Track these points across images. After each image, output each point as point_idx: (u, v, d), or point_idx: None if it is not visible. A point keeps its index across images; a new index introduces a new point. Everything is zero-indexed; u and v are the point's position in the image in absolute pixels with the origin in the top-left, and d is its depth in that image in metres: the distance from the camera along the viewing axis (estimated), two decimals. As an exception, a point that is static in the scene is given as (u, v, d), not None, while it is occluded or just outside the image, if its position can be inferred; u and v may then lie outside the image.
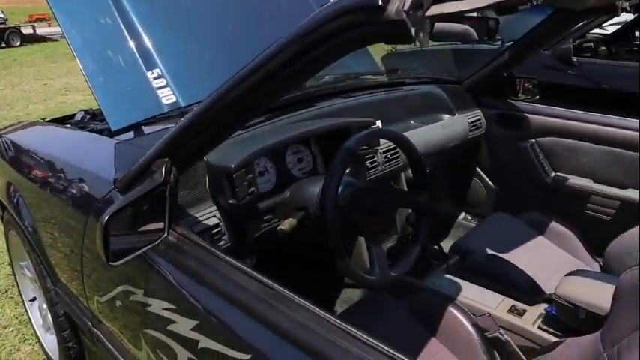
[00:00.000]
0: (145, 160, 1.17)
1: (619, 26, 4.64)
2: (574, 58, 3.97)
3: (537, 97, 2.47)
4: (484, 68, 2.45)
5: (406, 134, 2.04)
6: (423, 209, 1.46)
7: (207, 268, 1.05)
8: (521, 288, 1.75)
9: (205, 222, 1.38)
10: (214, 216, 1.41)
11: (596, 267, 2.01)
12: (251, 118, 1.37)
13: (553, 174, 2.36)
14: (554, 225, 2.11)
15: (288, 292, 0.89)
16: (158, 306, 1.14)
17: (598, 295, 1.43)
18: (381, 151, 1.89)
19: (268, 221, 1.47)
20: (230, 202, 1.35)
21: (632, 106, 2.29)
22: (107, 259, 1.02)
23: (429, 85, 2.41)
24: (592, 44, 4.23)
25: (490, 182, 2.57)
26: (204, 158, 1.42)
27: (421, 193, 1.46)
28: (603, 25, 4.60)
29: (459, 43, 4.27)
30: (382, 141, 1.82)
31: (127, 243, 1.08)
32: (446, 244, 2.40)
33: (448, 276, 1.78)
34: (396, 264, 1.41)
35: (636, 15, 4.56)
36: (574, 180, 2.30)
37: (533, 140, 2.37)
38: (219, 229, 1.40)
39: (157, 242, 1.11)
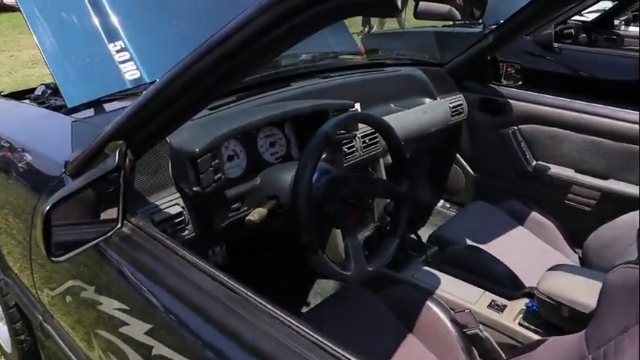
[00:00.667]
0: (98, 142, 1.04)
1: (598, 14, 4.61)
2: (555, 44, 3.91)
3: (520, 82, 2.40)
4: (467, 51, 2.36)
5: (386, 118, 1.94)
6: (403, 199, 1.37)
7: (165, 266, 0.94)
8: (500, 281, 1.68)
9: (167, 210, 1.27)
10: (177, 204, 1.30)
11: (575, 259, 1.96)
12: (217, 97, 1.25)
13: (534, 162, 2.30)
14: (534, 215, 2.05)
15: (253, 297, 0.79)
16: (110, 305, 1.03)
17: (582, 292, 1.36)
18: (359, 135, 1.79)
19: (237, 210, 1.37)
20: (194, 189, 1.23)
21: (613, 94, 2.24)
22: (48, 255, 0.90)
23: (411, 67, 2.30)
24: (572, 31, 4.18)
25: (470, 169, 2.50)
26: (167, 140, 1.30)
27: (401, 182, 1.36)
28: (583, 12, 4.55)
29: (441, 26, 4.19)
30: (361, 125, 1.72)
31: (73, 235, 0.96)
32: (424, 233, 2.33)
33: (427, 268, 1.70)
34: (373, 257, 1.32)
35: (615, 3, 4.53)
36: (555, 169, 2.24)
37: (515, 127, 2.30)
38: (182, 218, 1.29)
39: (108, 234, 0.99)
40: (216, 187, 1.27)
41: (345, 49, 2.23)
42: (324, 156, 1.57)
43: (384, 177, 1.99)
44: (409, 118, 2.06)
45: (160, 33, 1.84)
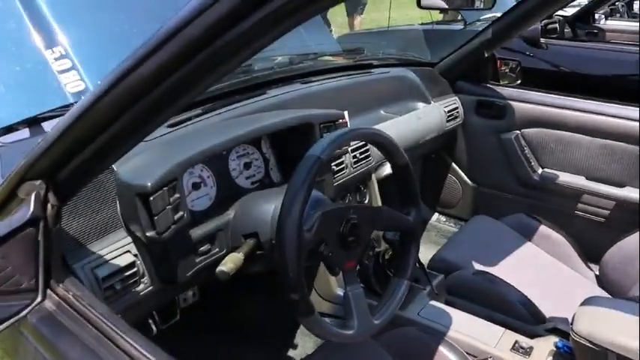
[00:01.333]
0: (8, 184, 0.76)
1: (578, 7, 4.46)
2: (542, 40, 3.73)
3: (519, 81, 2.18)
4: (461, 48, 2.12)
5: (377, 127, 1.69)
6: (412, 232, 1.11)
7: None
8: (519, 314, 1.45)
9: (115, 261, 0.99)
10: (128, 251, 1.02)
11: (591, 276, 1.75)
12: (172, 114, 0.98)
13: (540, 170, 2.08)
14: (543, 229, 1.83)
15: None
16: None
17: (630, 333, 1.13)
18: (349, 150, 1.54)
19: (206, 253, 1.09)
20: (147, 234, 0.95)
21: (609, 90, 2.05)
22: None
23: (400, 67, 2.06)
24: (557, 25, 4.01)
25: (467, 179, 2.26)
26: (114, 168, 1.03)
27: (408, 211, 1.11)
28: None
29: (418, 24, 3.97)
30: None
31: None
32: (421, 252, 2.09)
33: (434, 303, 1.45)
34: (378, 306, 1.06)
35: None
36: (564, 177, 2.02)
37: (517, 131, 2.08)
38: (134, 269, 1.01)
39: (24, 313, 0.71)
40: (178, 229, 0.99)
41: (325, 50, 1.98)
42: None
43: (377, 195, 1.74)
44: (403, 126, 1.81)
45: (109, 35, 1.56)
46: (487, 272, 1.55)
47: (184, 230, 1.02)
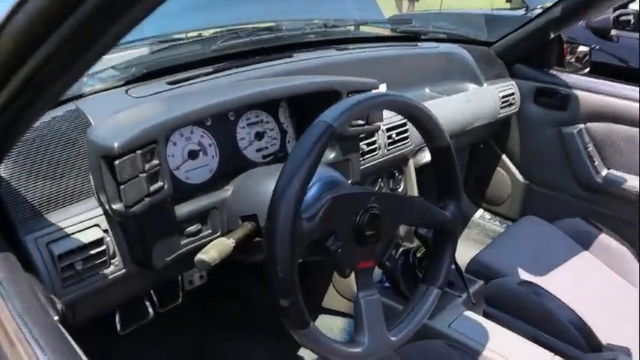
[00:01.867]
0: None
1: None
2: (613, 32, 3.37)
3: (588, 69, 1.90)
4: (523, 27, 1.85)
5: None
6: (449, 230, 0.90)
7: None
8: (570, 337, 1.21)
9: (77, 236, 0.82)
10: (97, 225, 0.84)
11: (659, 298, 1.48)
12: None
13: (605, 171, 1.81)
14: (604, 238, 1.57)
15: None
16: None
17: None
18: (384, 128, 1.32)
19: (195, 235, 0.91)
20: (114, 206, 0.78)
21: None
22: None
23: (451, 44, 1.81)
24: (632, 18, 3.63)
25: (519, 174, 2.00)
26: (91, 122, 0.86)
27: (446, 204, 0.89)
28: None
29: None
30: (388, 113, 1.25)
31: None
32: (459, 252, 1.86)
33: (469, 314, 1.23)
34: (400, 319, 0.85)
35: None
36: (633, 181, 1.74)
37: (582, 125, 1.80)
38: (102, 247, 0.84)
39: None
40: (155, 203, 0.81)
41: (368, 18, 1.75)
42: (330, 157, 1.11)
43: (414, 184, 1.52)
44: (449, 109, 1.58)
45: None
46: (534, 283, 1.31)
47: (165, 205, 0.84)
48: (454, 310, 1.23)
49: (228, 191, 0.94)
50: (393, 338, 0.81)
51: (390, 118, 1.33)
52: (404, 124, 1.38)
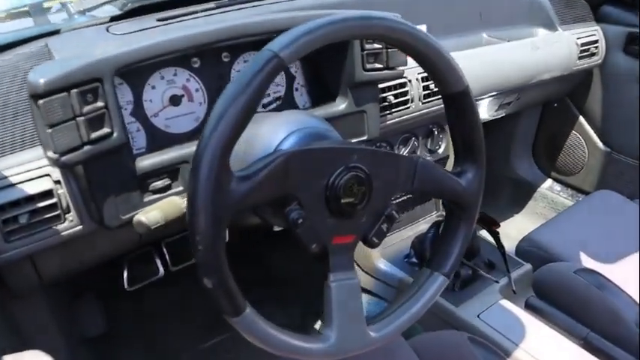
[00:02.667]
0: None
1: None
2: None
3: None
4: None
5: (473, 52, 1.25)
6: (464, 203, 0.70)
7: None
8: (637, 346, 0.98)
9: (24, 186, 0.72)
10: (48, 175, 0.74)
11: None
12: None
13: None
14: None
15: None
16: None
17: None
18: (418, 77, 1.12)
19: (160, 191, 0.78)
20: (48, 153, 0.66)
21: None
22: None
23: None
24: None
25: (598, 140, 1.70)
26: (52, 54, 0.75)
27: (462, 169, 0.69)
28: None
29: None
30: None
31: None
32: (514, 229, 1.63)
33: (506, 304, 1.03)
34: (387, 310, 0.68)
35: None
36: None
37: (683, 81, 1.48)
38: (53, 200, 0.73)
39: None
40: (101, 152, 0.68)
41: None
42: (340, 107, 0.93)
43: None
44: (509, 56, 1.32)
45: None
46: (598, 272, 1.08)
47: (118, 155, 0.71)
48: (487, 298, 1.04)
49: (202, 144, 0.80)
50: (372, 334, 0.64)
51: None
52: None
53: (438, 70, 0.64)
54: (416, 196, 1.27)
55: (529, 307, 1.05)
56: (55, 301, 1.12)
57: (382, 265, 1.19)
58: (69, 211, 0.75)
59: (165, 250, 1.30)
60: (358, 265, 1.23)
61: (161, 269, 1.31)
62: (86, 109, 0.66)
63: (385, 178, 0.64)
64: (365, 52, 0.90)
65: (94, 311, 1.29)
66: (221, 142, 0.50)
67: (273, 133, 0.68)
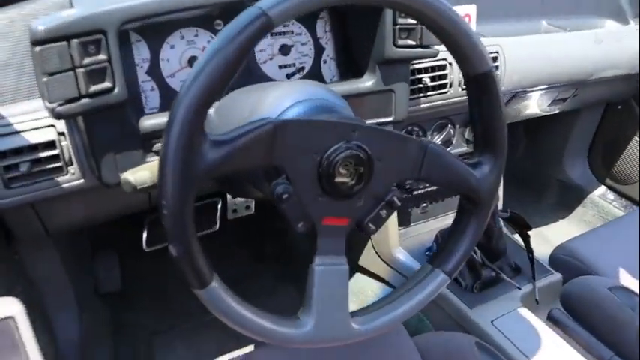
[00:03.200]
0: None
1: None
2: None
3: None
4: None
5: (528, 40, 1.16)
6: (476, 199, 0.63)
7: None
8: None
9: (27, 135, 0.71)
10: (53, 126, 0.73)
11: None
12: None
13: None
14: None
15: None
16: None
17: None
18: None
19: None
20: (46, 103, 0.64)
21: None
22: None
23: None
24: None
25: (663, 150, 1.56)
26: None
27: (479, 161, 0.63)
28: None
29: None
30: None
31: None
32: (554, 234, 1.53)
33: (524, 313, 0.95)
34: (376, 305, 0.63)
35: None
36: None
37: None
38: (55, 151, 0.72)
39: None
40: (98, 106, 0.66)
41: None
42: (367, 84, 0.87)
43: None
44: (569, 47, 1.22)
45: None
46: (634, 292, 0.98)
47: (120, 112, 0.69)
48: (506, 304, 0.97)
49: (213, 106, 0.77)
50: (355, 326, 0.59)
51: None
52: (493, 59, 1.07)
53: (460, 47, 0.58)
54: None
55: (551, 319, 0.97)
56: (69, 252, 1.14)
57: (401, 255, 1.13)
58: (71, 164, 0.75)
59: None
60: (376, 252, 1.18)
61: None
62: (86, 60, 0.63)
63: (389, 160, 0.58)
64: (397, 26, 0.83)
65: (111, 267, 1.31)
66: (194, 100, 0.47)
67: (278, 100, 0.64)
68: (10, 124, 0.71)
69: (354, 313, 0.60)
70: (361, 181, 0.57)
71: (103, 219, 0.94)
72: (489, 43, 1.09)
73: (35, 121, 0.72)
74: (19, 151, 0.71)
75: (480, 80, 0.59)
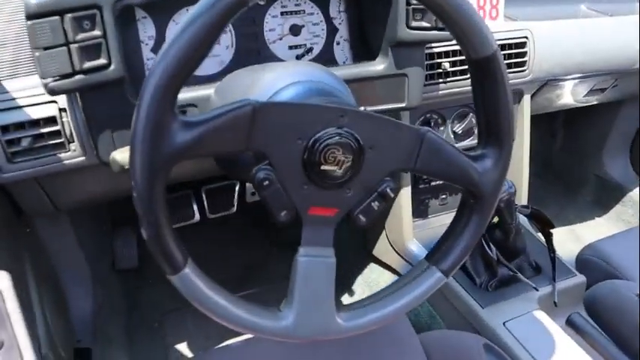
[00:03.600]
0: None
1: None
2: None
3: None
4: None
5: (562, 24, 1.09)
6: (478, 195, 0.59)
7: None
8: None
9: (30, 110, 0.71)
10: (55, 102, 0.73)
11: None
12: None
13: None
14: None
15: None
16: None
17: None
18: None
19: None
20: (42, 79, 0.63)
21: None
22: None
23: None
24: None
25: None
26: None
27: (483, 153, 0.58)
28: None
29: None
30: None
31: None
32: (590, 231, 1.45)
33: (540, 316, 0.90)
34: (365, 301, 0.60)
35: None
36: None
37: None
38: (56, 127, 0.72)
39: None
40: (93, 83, 0.65)
41: None
42: (378, 67, 0.83)
43: (527, 129, 1.15)
44: (609, 33, 1.13)
45: None
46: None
47: (117, 89, 0.68)
48: (521, 306, 0.91)
49: (212, 89, 0.75)
50: (340, 322, 0.56)
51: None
52: (520, 44, 1.01)
53: (460, 28, 0.53)
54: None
55: (570, 324, 0.91)
56: (87, 229, 1.15)
57: (414, 247, 1.09)
58: (73, 141, 0.74)
59: (204, 196, 1.29)
60: (389, 243, 1.14)
61: (197, 214, 1.30)
62: (80, 36, 0.62)
63: (381, 149, 0.54)
64: (411, 6, 0.79)
65: (129, 244, 1.33)
66: (162, 79, 0.44)
67: (273, 81, 0.62)
68: (12, 99, 0.71)
69: (340, 308, 0.57)
70: (350, 169, 0.53)
71: (113, 197, 0.94)
72: (518, 27, 1.02)
73: (37, 97, 0.72)
74: (20, 126, 0.71)
75: (483, 65, 0.55)
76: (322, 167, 0.52)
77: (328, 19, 0.88)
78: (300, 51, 0.87)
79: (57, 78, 0.63)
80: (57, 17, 0.61)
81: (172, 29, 0.79)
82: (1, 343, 0.61)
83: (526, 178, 1.18)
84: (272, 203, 0.53)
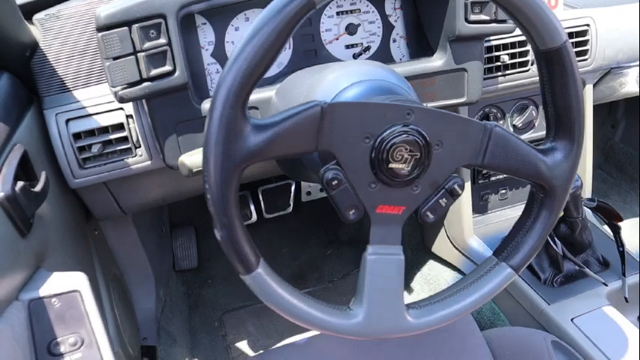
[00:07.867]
0: None
1: None
2: None
3: None
4: None
5: (624, 9, 1.05)
6: (547, 188, 0.57)
7: None
8: None
9: (99, 118, 0.75)
10: (122, 109, 0.76)
11: None
12: None
13: None
14: None
15: None
16: None
17: None
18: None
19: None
20: (111, 87, 0.66)
21: None
22: None
23: None
24: None
25: None
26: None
27: (553, 146, 0.57)
28: None
29: None
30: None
31: None
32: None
33: (611, 312, 0.86)
34: (434, 298, 0.59)
35: None
36: None
37: None
38: (123, 133, 0.75)
39: None
40: (159, 90, 0.67)
41: None
42: (437, 63, 0.82)
43: (589, 119, 1.11)
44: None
45: None
46: None
47: (182, 94, 0.70)
48: (589, 302, 0.89)
49: (274, 89, 0.76)
50: (410, 320, 0.56)
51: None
52: (582, 32, 0.98)
53: (528, 20, 0.52)
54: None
55: (644, 321, 0.88)
56: (149, 231, 1.19)
57: (474, 243, 1.07)
58: (139, 146, 0.77)
59: (261, 196, 1.32)
60: (449, 240, 1.13)
61: (254, 215, 1.33)
62: (147, 45, 0.65)
63: (449, 145, 0.54)
64: (469, 0, 0.77)
65: (188, 245, 1.36)
66: (236, 80, 0.46)
67: (335, 82, 0.62)
68: (83, 107, 0.74)
69: (409, 306, 0.57)
70: (417, 166, 0.53)
71: (175, 199, 0.97)
72: (579, 15, 0.99)
73: (106, 104, 0.75)
74: (91, 133, 0.75)
75: (553, 56, 0.53)
76: (390, 165, 0.52)
77: (384, 17, 0.88)
78: (356, 50, 0.88)
79: (125, 86, 0.66)
80: (125, 28, 0.63)
81: (231, 34, 0.81)
82: (81, 341, 0.64)
83: (589, 170, 1.14)
84: (340, 202, 0.53)
